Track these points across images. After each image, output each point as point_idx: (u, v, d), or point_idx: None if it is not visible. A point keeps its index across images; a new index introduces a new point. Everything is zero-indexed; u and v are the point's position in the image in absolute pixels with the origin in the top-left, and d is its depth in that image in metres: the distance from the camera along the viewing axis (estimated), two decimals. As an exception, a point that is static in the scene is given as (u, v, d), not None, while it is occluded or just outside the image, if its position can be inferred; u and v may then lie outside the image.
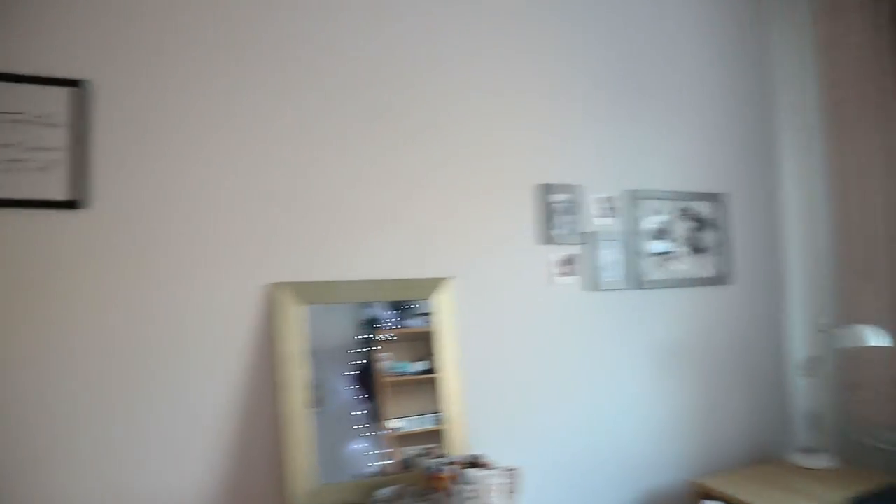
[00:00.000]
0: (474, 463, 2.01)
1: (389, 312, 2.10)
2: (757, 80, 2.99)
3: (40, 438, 1.76)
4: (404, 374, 2.09)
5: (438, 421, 2.10)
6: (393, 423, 2.05)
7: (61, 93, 1.77)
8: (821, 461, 2.56)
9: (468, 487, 1.87)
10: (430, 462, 2.03)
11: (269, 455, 1.96)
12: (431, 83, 2.25)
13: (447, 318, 2.18)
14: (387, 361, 2.08)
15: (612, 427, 2.49)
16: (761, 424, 2.86)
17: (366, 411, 2.03)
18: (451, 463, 1.98)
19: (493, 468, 1.93)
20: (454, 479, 1.91)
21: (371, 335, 2.06)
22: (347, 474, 1.96)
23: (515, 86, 2.40)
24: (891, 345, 2.45)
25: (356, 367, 2.03)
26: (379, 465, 2.01)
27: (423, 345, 2.13)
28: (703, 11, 2.87)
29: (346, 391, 2.00)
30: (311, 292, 2.01)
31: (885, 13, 2.58)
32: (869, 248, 2.64)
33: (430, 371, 2.12)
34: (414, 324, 2.13)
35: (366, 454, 2.00)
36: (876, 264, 2.61)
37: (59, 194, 1.76)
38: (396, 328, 2.10)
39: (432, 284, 2.18)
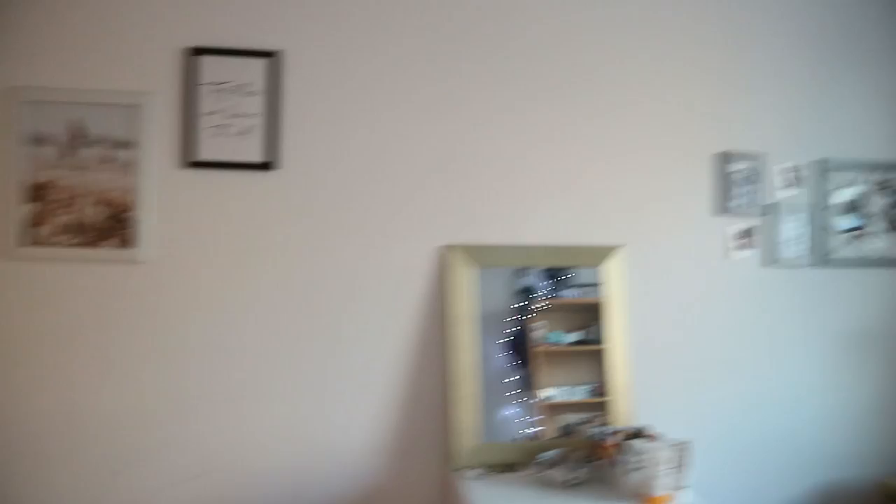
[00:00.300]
0: (639, 434, 1.96)
1: (545, 282, 2.08)
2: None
3: (226, 382, 1.97)
4: (558, 344, 2.08)
5: (592, 392, 2.07)
6: (545, 392, 2.04)
7: (258, 63, 1.94)
8: None
9: (634, 458, 1.82)
10: (595, 430, 2.01)
11: (434, 412, 2.04)
12: (604, 48, 2.19)
13: (616, 287, 2.13)
14: (541, 331, 2.07)
15: (785, 413, 2.32)
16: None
17: (518, 378, 2.03)
18: (616, 432, 1.94)
19: (660, 440, 1.87)
20: (619, 448, 1.87)
21: (526, 303, 2.06)
22: (502, 437, 1.98)
23: (692, 42, 2.26)
24: None
25: (511, 334, 2.04)
26: (530, 432, 2.01)
27: (577, 316, 2.11)
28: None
29: (499, 357, 2.02)
30: (483, 255, 2.05)
31: None
32: None
33: (584, 342, 2.09)
34: (569, 294, 2.10)
35: (517, 420, 2.01)
36: None
37: (256, 157, 1.93)
38: (551, 297, 2.08)
39: (603, 252, 2.14)
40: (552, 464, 1.90)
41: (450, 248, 2.04)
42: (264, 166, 1.94)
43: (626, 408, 2.09)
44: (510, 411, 2.02)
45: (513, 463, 1.97)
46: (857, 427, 2.39)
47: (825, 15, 2.40)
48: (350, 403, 2.01)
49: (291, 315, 1.99)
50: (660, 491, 1.76)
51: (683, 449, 1.85)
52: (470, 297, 2.02)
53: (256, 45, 1.96)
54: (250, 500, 1.97)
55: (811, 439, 2.34)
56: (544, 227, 2.13)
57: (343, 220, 2.01)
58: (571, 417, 2.07)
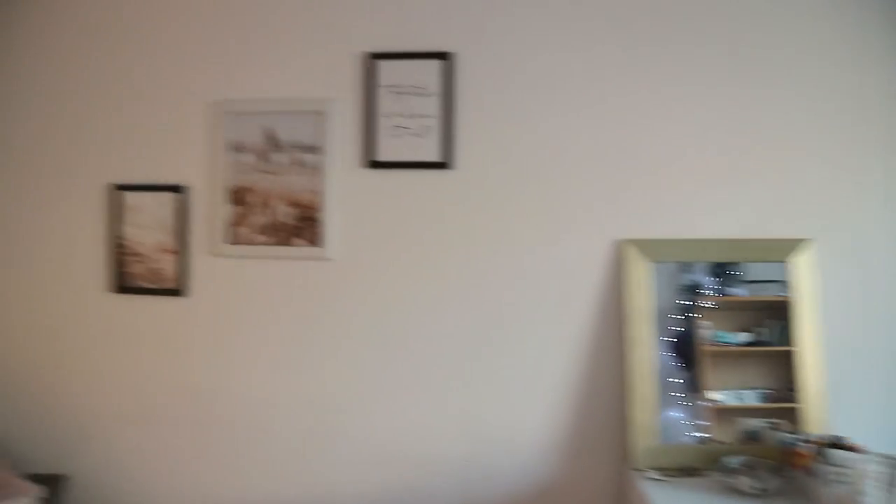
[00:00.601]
0: (837, 444, 1.80)
1: (712, 278, 1.96)
2: None
3: (405, 374, 2.07)
4: (727, 344, 1.95)
5: (766, 398, 1.94)
6: (713, 395, 1.94)
7: (433, 65, 1.98)
8: None
9: (835, 470, 1.68)
10: (786, 436, 1.88)
11: (610, 409, 2.01)
12: (778, 25, 1.98)
13: (806, 283, 1.96)
14: (707, 330, 1.96)
15: None
16: None
17: (684, 379, 1.94)
18: (810, 441, 1.80)
19: (866, 453, 1.71)
20: (817, 457, 1.73)
21: (692, 301, 1.96)
22: (671, 439, 1.91)
23: (880, 28, 1.99)
24: None
25: (676, 332, 1.95)
26: (697, 436, 1.92)
27: (745, 315, 1.97)
28: None
29: (663, 357, 1.94)
30: (658, 250, 1.97)
31: None
32: None
33: (755, 343, 1.95)
34: (737, 292, 1.96)
35: (683, 422, 1.93)
36: None
37: (432, 156, 1.99)
38: (720, 295, 1.96)
39: (790, 246, 1.97)
40: (738, 471, 1.80)
41: (625, 243, 1.98)
42: (440, 165, 1.99)
43: (819, 415, 1.92)
44: (676, 413, 1.94)
45: (691, 467, 1.89)
46: None
47: None
48: (524, 397, 2.03)
49: (467, 309, 2.04)
50: (866, 508, 1.61)
51: (895, 464, 1.68)
52: (646, 293, 1.95)
53: (430, 47, 2.00)
54: (427, 489, 2.06)
55: None
56: (723, 219, 1.99)
57: (517, 217, 2.02)
58: (753, 422, 1.95)
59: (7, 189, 2.24)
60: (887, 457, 1.68)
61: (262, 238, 2.07)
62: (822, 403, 1.94)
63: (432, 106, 1.98)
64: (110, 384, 2.19)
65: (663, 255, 1.97)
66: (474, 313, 2.04)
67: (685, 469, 1.89)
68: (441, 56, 1.98)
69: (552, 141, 2.01)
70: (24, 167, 2.23)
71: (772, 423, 1.95)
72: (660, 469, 1.89)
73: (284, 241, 2.06)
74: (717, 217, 2.00)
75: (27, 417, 2.23)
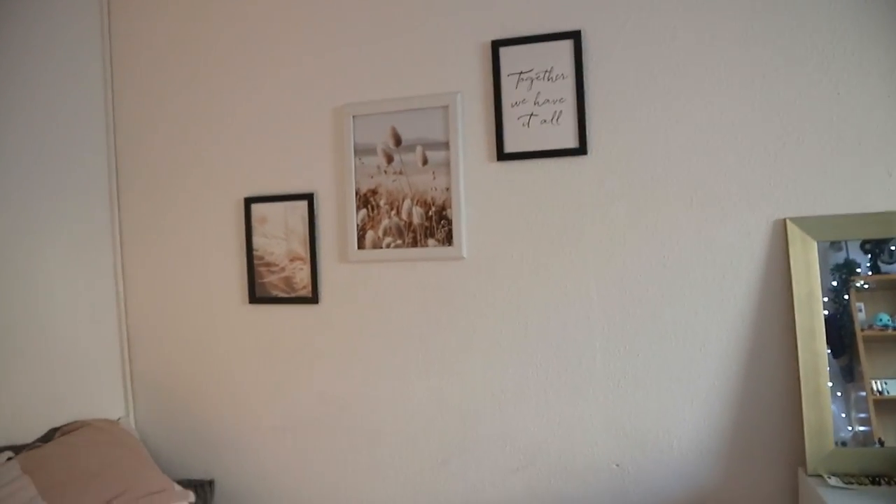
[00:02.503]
0: None
1: (866, 256, 1.73)
2: None
3: (546, 375, 1.96)
4: (886, 328, 1.72)
5: None
6: (877, 385, 1.71)
7: (559, 46, 1.88)
8: None
9: None
10: None
11: (778, 408, 1.81)
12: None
13: None
14: (862, 313, 1.73)
15: None
16: None
17: (837, 369, 1.73)
18: None
19: None
20: None
21: (843, 282, 1.74)
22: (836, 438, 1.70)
23: None
24: None
25: (825, 317, 1.74)
26: (857, 432, 1.71)
27: None
28: None
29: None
30: (826, 228, 1.76)
31: None
32: None
33: None
34: None
35: (840, 417, 1.72)
36: None
37: (565, 142, 1.88)
38: (873, 274, 1.73)
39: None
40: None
41: (787, 222, 1.78)
42: (574, 151, 1.88)
43: None
44: (833, 407, 1.72)
45: (878, 473, 1.67)
46: None
47: None
48: (679, 396, 1.87)
49: (610, 303, 1.91)
50: None
51: None
52: (813, 276, 1.75)
53: (555, 27, 1.90)
54: (573, 495, 1.95)
55: None
56: (891, 191, 1.75)
57: (660, 201, 1.86)
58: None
59: (148, 210, 2.34)
60: None
61: (392, 240, 2.03)
62: None
63: (561, 90, 1.87)
64: (251, 393, 2.24)
65: (829, 234, 1.75)
66: (618, 307, 1.90)
67: (870, 475, 1.67)
68: (568, 36, 1.87)
69: (695, 119, 1.84)
70: (162, 186, 2.32)
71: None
72: (840, 475, 1.68)
73: (414, 243, 2.01)
74: (884, 189, 1.75)
75: (177, 426, 2.33)
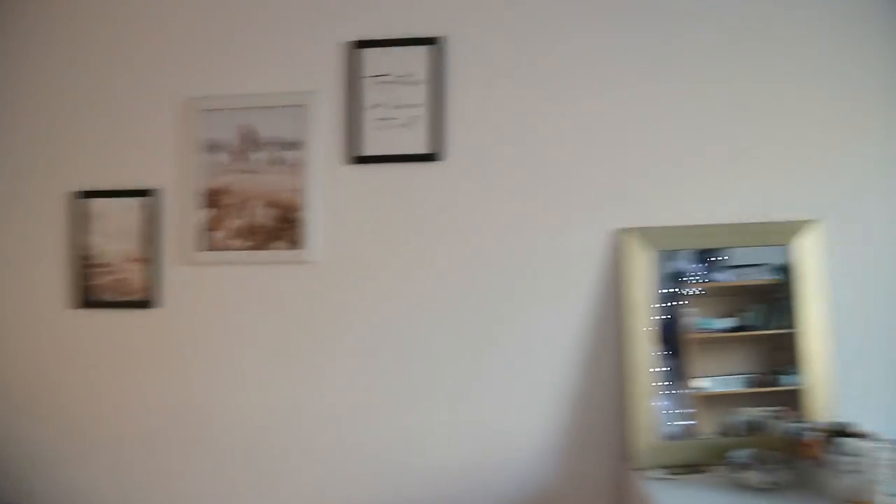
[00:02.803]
0: (842, 432, 1.76)
1: (697, 265, 1.93)
2: None
3: (395, 381, 1.96)
4: (712, 330, 1.92)
5: (757, 382, 1.90)
6: (699, 383, 1.90)
7: (420, 51, 1.90)
8: None
9: (848, 459, 1.64)
10: (792, 426, 1.83)
11: (610, 407, 1.94)
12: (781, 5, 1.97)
13: (811, 264, 1.93)
14: (693, 317, 1.92)
15: None
16: None
17: (669, 368, 1.90)
18: (815, 429, 1.76)
19: (878, 440, 1.67)
20: (826, 447, 1.69)
21: (677, 288, 1.92)
22: (662, 432, 1.86)
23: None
24: None
25: (660, 321, 1.91)
26: (685, 426, 1.88)
27: (730, 300, 1.94)
28: None
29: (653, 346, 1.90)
30: (660, 238, 1.92)
31: None
32: None
33: (741, 329, 1.92)
34: (724, 277, 1.93)
35: (670, 413, 1.88)
36: None
37: (421, 148, 1.90)
38: (706, 281, 1.92)
39: (794, 228, 1.94)
40: (745, 465, 1.75)
41: (625, 232, 1.92)
42: (431, 157, 1.90)
43: (824, 401, 1.89)
44: (662, 403, 1.88)
45: (695, 463, 1.84)
46: None
47: None
48: (523, 399, 1.95)
49: (460, 309, 1.95)
50: (882, 498, 1.58)
51: (908, 450, 1.65)
52: (646, 284, 1.90)
53: (418, 32, 1.92)
54: (424, 501, 1.96)
55: None
56: (725, 204, 1.94)
57: (512, 209, 1.94)
58: (752, 411, 1.91)
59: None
60: (899, 442, 1.65)
61: (240, 242, 1.94)
62: (827, 390, 1.90)
63: (420, 95, 1.90)
64: (76, 406, 2.05)
65: (665, 244, 1.92)
66: (468, 313, 1.95)
67: (687, 465, 1.83)
68: (428, 41, 1.90)
69: (548, 129, 1.94)
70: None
71: (773, 411, 1.91)
72: (662, 467, 1.82)
73: (264, 245, 1.94)
74: (720, 202, 1.95)
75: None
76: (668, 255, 1.94)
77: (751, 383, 1.94)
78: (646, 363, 1.88)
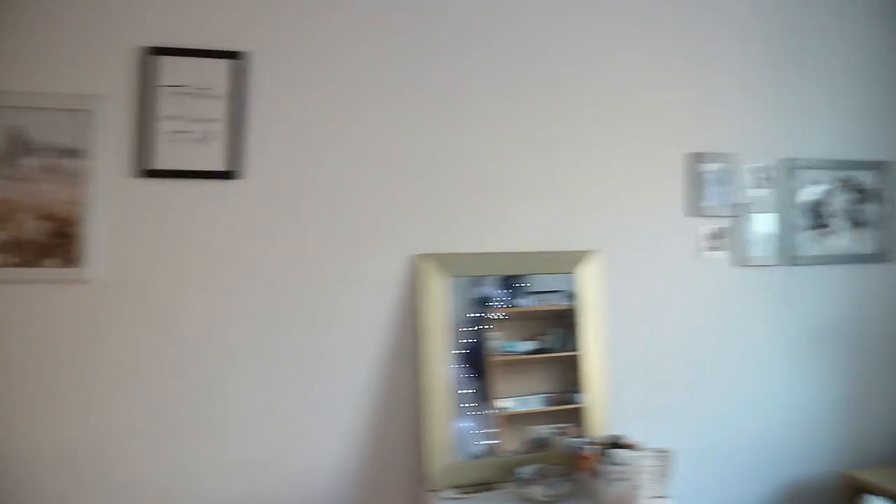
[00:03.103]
0: (617, 444, 1.94)
1: (501, 291, 2.04)
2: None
3: (180, 407, 1.82)
4: (514, 353, 2.04)
5: (554, 401, 2.04)
6: (502, 403, 2.01)
7: (221, 65, 1.81)
8: None
9: (616, 468, 1.80)
10: (572, 441, 1.98)
11: (408, 428, 1.97)
12: (572, 53, 2.15)
13: (590, 292, 2.10)
14: (496, 340, 2.03)
15: (758, 411, 2.35)
16: (922, 415, 2.63)
17: (475, 390, 1.99)
18: (593, 443, 1.91)
19: (642, 449, 1.85)
20: (600, 459, 1.84)
21: (482, 313, 2.02)
22: (464, 452, 1.93)
23: (666, 48, 2.24)
24: None
25: (467, 345, 1.99)
26: (488, 445, 1.97)
27: (533, 324, 2.07)
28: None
29: (455, 369, 1.97)
30: (455, 264, 1.99)
31: None
32: None
33: (540, 351, 2.06)
34: (526, 303, 2.06)
35: (475, 433, 1.97)
36: None
37: (218, 165, 1.81)
38: (509, 307, 2.04)
39: (577, 257, 2.10)
40: (530, 480, 1.86)
41: (422, 258, 1.97)
42: (227, 175, 1.81)
43: (601, 417, 2.07)
44: (468, 425, 1.96)
45: (487, 481, 1.92)
46: (821, 421, 2.44)
47: (793, 20, 2.43)
48: (317, 425, 1.91)
49: (255, 333, 1.87)
50: (644, 501, 1.74)
51: (666, 457, 1.84)
52: (442, 308, 1.95)
53: (221, 45, 1.82)
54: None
55: (781, 436, 2.38)
56: (518, 233, 2.08)
57: (311, 232, 1.91)
58: (542, 429, 2.03)
59: None
60: (659, 451, 1.83)
61: (4, 259, 1.71)
62: (603, 406, 2.08)
63: (220, 110, 1.80)
64: None
65: (459, 270, 1.99)
66: (263, 337, 1.88)
67: (481, 484, 1.91)
68: (231, 55, 1.81)
69: (351, 153, 1.94)
70: None
71: (559, 428, 2.05)
72: (456, 487, 1.88)
73: (33, 262, 1.73)
74: (515, 231, 2.07)
75: None
76: (472, 280, 2.02)
77: (549, 402, 2.06)
78: (442, 386, 1.93)
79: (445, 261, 1.98)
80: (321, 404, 1.91)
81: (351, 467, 1.93)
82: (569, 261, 2.10)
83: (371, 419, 1.95)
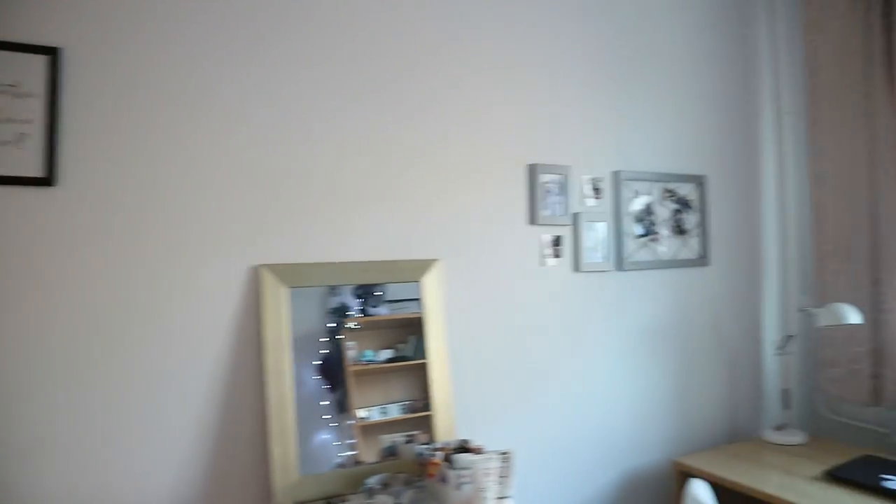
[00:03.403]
0: (464, 448, 1.98)
1: (357, 300, 2.04)
2: (741, 65, 3.00)
3: (9, 431, 1.65)
4: (371, 362, 2.05)
5: (407, 409, 2.06)
6: (360, 413, 2.00)
7: (35, 61, 1.65)
8: (794, 437, 2.63)
9: (461, 472, 1.84)
10: (419, 448, 2.00)
11: (253, 445, 1.90)
12: (421, 61, 2.18)
13: (434, 300, 2.13)
14: (353, 350, 2.03)
15: (595, 408, 2.50)
16: (739, 403, 2.92)
17: (332, 402, 1.98)
18: (440, 448, 1.94)
19: (486, 453, 1.90)
20: (445, 464, 1.87)
21: (339, 323, 2.01)
22: (321, 466, 1.90)
23: (507, 63, 2.34)
24: (863, 322, 2.53)
25: (323, 355, 1.97)
26: (347, 456, 1.96)
27: (391, 333, 2.08)
28: (687, -8, 2.86)
29: (312, 381, 1.95)
30: (296, 275, 1.94)
31: (866, -3, 2.60)
32: (844, 229, 2.68)
33: (397, 359, 2.08)
34: (382, 311, 2.08)
35: (333, 445, 1.94)
36: (851, 245, 2.66)
37: (32, 170, 1.65)
38: (364, 316, 2.04)
39: (421, 266, 2.13)
40: (377, 490, 1.85)
41: (262, 268, 1.90)
42: (41, 181, 1.65)
43: (448, 422, 2.11)
44: (326, 437, 1.94)
45: (336, 494, 1.89)
46: (653, 414, 2.64)
47: (622, 45, 2.62)
48: (156, 449, 1.79)
49: (79, 355, 1.71)
50: (488, 503, 1.79)
51: (507, 458, 1.90)
52: (284, 320, 1.90)
53: (33, 39, 1.66)
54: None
55: (618, 430, 2.55)
56: (363, 242, 2.07)
57: (141, 242, 1.78)
58: (393, 437, 2.04)
59: None
60: (501, 453, 1.89)
61: None
62: (449, 412, 2.12)
63: (30, 110, 1.64)
64: None
65: (302, 280, 1.95)
66: (95, 354, 1.73)
67: (330, 498, 1.88)
68: (47, 51, 1.66)
69: (184, 160, 1.84)
70: None
71: (408, 436, 2.06)
72: (303, 502, 1.84)
73: None
74: (359, 241, 2.06)
75: None
76: (327, 290, 1.98)
77: (406, 410, 2.06)
78: (289, 400, 1.88)
79: (287, 271, 1.93)
80: (159, 427, 1.79)
81: (192, 489, 1.82)
82: (414, 270, 2.12)
83: (215, 439, 1.85)
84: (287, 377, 1.89)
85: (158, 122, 1.81)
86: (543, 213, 2.36)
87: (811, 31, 2.79)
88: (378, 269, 2.06)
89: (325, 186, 2.02)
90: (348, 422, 1.97)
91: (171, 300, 1.81)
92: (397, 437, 2.04)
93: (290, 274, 1.93)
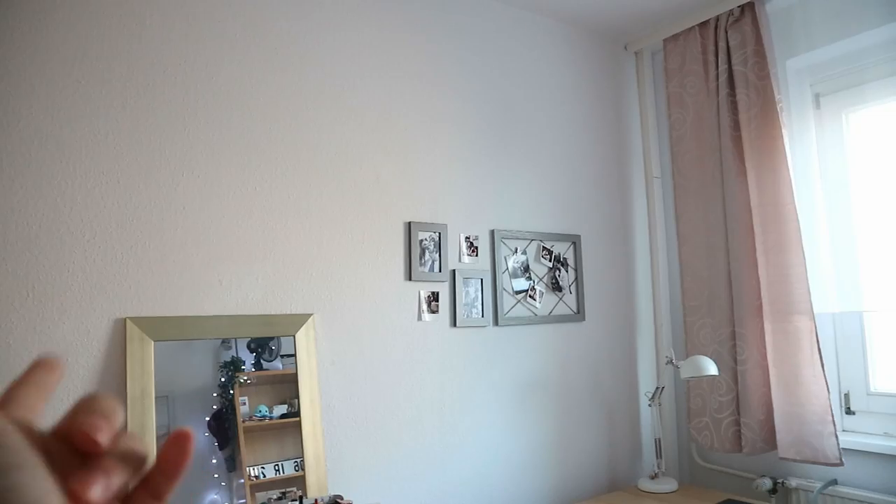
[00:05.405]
0: (336, 503, 1.98)
1: (251, 354, 2.04)
2: (615, 129, 3.23)
3: None
4: (263, 418, 2.03)
5: (297, 467, 2.05)
6: (251, 471, 1.98)
7: None
8: (666, 485, 2.74)
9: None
10: (291, 504, 1.98)
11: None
12: (297, 114, 2.24)
13: (309, 354, 2.15)
14: (245, 405, 2.01)
15: (473, 461, 2.54)
16: (617, 453, 3.03)
17: (221, 459, 1.95)
18: (312, 505, 1.93)
19: (354, 507, 1.91)
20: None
21: (230, 378, 2.00)
22: None
23: (384, 122, 2.44)
24: (721, 373, 2.71)
25: (213, 412, 1.95)
26: None
27: (286, 388, 2.08)
28: (568, 66, 3.08)
29: (202, 437, 1.92)
30: (163, 328, 1.91)
31: (715, 78, 2.89)
32: (706, 286, 2.90)
33: (290, 415, 2.07)
34: (275, 366, 2.08)
35: None
36: (712, 301, 2.87)
37: None
38: (257, 370, 2.04)
39: (295, 321, 2.14)
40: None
41: (128, 321, 1.87)
42: None
43: (320, 478, 2.10)
44: (215, 496, 1.90)
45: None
46: (531, 466, 2.70)
47: (499, 105, 2.78)
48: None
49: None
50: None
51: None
52: (147, 375, 1.87)
53: None
54: None
55: (495, 484, 2.58)
56: (234, 296, 2.06)
57: (-5, 293, 1.73)
58: (268, 495, 2.01)
59: None
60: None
61: None
62: (321, 467, 2.11)
63: None
64: None
65: (169, 334, 1.92)
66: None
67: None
68: None
69: (43, 206, 1.79)
70: None
71: (281, 493, 2.04)
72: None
73: None
74: (233, 293, 2.05)
75: None
76: (225, 344, 1.97)
77: (299, 467, 2.04)
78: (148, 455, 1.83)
79: (154, 324, 1.90)
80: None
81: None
82: (287, 324, 2.13)
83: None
84: (150, 433, 1.84)
85: (23, 168, 1.77)
86: (420, 270, 2.44)
87: (673, 105, 3.06)
88: (250, 322, 2.06)
89: (196, 239, 2.01)
90: (239, 480, 1.94)
91: (26, 353, 1.74)
92: (271, 494, 2.02)
93: (157, 327, 1.90)
